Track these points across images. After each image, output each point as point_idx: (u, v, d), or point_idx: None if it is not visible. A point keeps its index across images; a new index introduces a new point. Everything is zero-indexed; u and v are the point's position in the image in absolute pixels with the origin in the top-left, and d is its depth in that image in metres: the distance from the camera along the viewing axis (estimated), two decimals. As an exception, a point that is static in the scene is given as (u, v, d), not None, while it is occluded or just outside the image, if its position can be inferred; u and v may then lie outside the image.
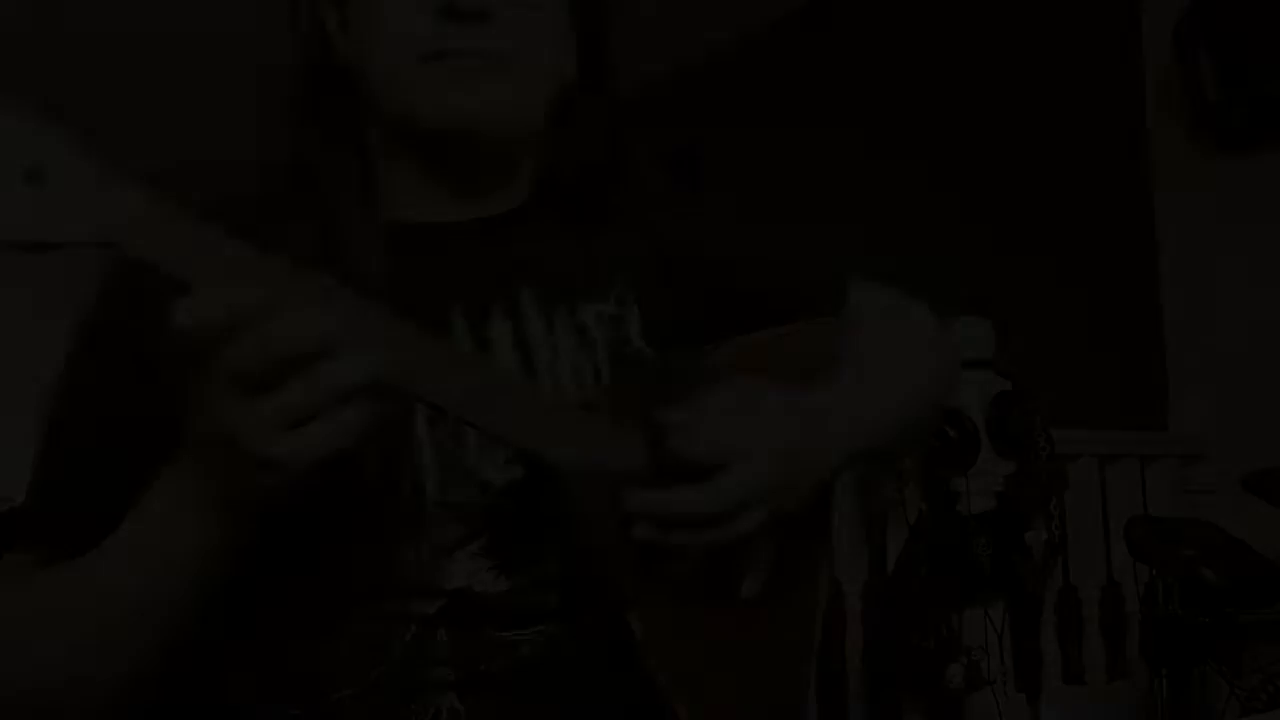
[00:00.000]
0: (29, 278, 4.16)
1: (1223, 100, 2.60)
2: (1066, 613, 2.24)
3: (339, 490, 0.81)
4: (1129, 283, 2.78)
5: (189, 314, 0.62)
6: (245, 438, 0.65)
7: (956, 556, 2.09)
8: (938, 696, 2.08)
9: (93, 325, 0.86)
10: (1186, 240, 2.68)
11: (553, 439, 0.80)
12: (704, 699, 0.86)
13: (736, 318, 1.04)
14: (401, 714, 0.81)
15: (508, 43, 0.87)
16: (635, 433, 0.85)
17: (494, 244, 0.95)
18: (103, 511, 0.75)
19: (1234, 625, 1.86)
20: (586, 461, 0.81)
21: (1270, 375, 2.52)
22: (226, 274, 0.65)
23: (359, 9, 0.90)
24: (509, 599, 0.85)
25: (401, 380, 0.72)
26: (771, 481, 0.81)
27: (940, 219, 3.28)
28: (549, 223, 1.00)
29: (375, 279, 0.86)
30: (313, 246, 0.86)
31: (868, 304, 1.09)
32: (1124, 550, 2.09)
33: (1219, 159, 2.62)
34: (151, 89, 4.15)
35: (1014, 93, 3.10)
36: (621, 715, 0.88)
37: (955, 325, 2.13)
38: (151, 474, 0.73)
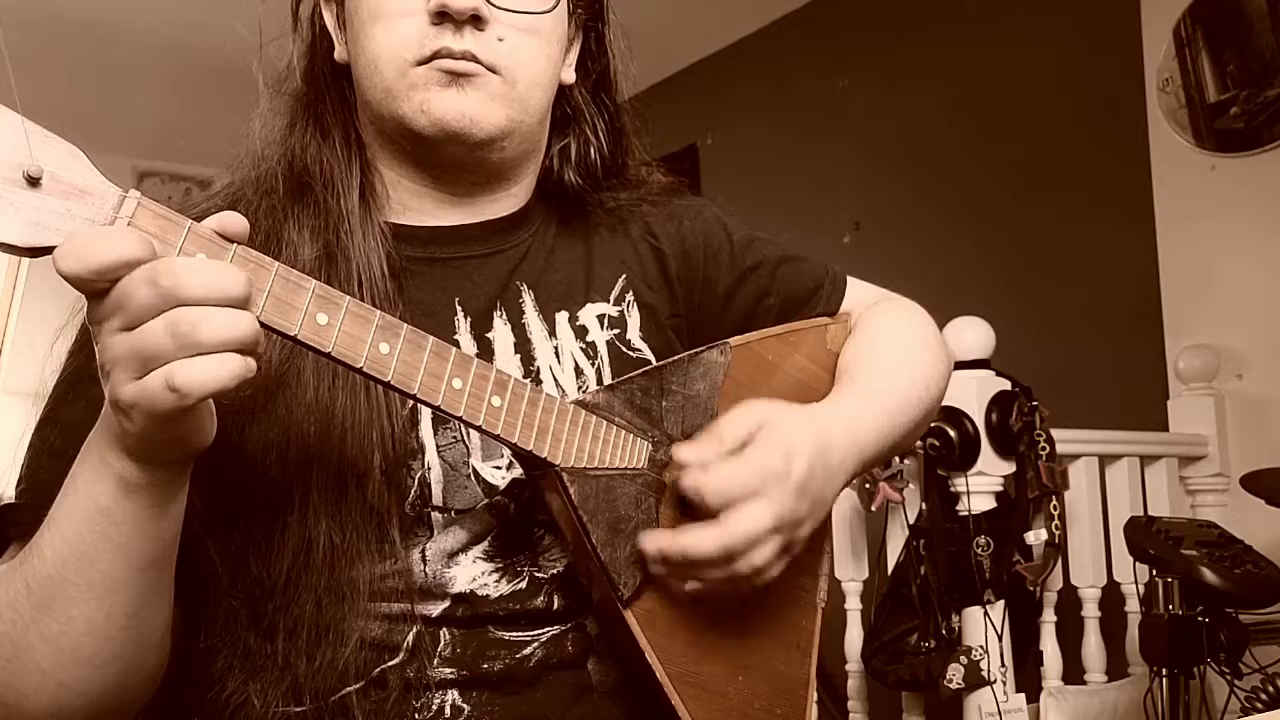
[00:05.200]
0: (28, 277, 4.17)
1: (1223, 100, 2.60)
2: (1066, 613, 2.25)
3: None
4: (1129, 282, 2.78)
5: (61, 259, 0.61)
6: (106, 376, 0.65)
7: (956, 556, 2.09)
8: (937, 696, 2.08)
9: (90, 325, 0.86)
10: (1186, 240, 2.68)
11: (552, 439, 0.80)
12: (704, 696, 0.86)
13: (735, 317, 1.04)
14: (405, 713, 0.81)
15: (502, 56, 0.87)
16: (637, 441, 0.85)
17: (495, 246, 0.96)
18: None
19: (1234, 625, 1.86)
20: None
21: (1270, 375, 2.52)
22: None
23: (356, 10, 0.90)
24: (512, 601, 0.85)
25: (399, 382, 0.72)
26: (785, 516, 0.82)
27: (940, 219, 3.28)
28: (549, 225, 1.01)
29: (377, 280, 0.86)
30: (313, 247, 0.87)
31: (863, 303, 1.09)
32: (1124, 550, 2.09)
33: (1219, 159, 2.62)
34: (152, 90, 4.15)
35: (1014, 93, 3.10)
36: (623, 716, 0.88)
37: (953, 325, 2.14)
38: None
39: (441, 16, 0.85)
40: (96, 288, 0.63)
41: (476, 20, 0.86)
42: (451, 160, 0.91)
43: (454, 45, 0.85)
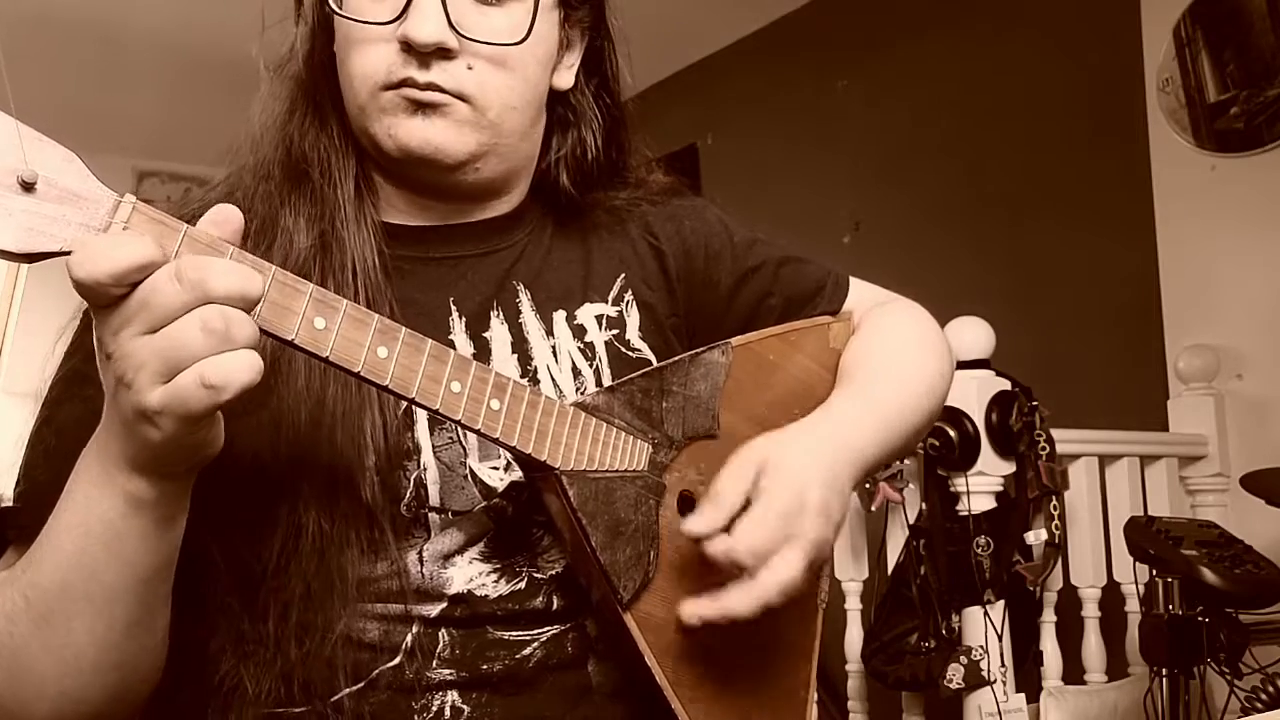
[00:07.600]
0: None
1: (1223, 100, 2.60)
2: (1066, 613, 2.25)
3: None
4: (1129, 282, 2.78)
5: (76, 266, 0.61)
6: (127, 385, 0.64)
7: (956, 556, 2.09)
8: (938, 696, 2.08)
9: (87, 329, 0.86)
10: (1186, 240, 2.68)
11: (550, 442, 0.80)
12: (704, 699, 0.86)
13: (737, 317, 1.04)
14: (404, 713, 0.81)
15: (469, 85, 0.86)
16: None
17: (490, 246, 0.95)
18: None
19: (1234, 625, 1.86)
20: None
21: (1270, 375, 2.52)
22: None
23: (339, 25, 0.89)
24: (510, 601, 0.85)
25: (396, 386, 0.72)
26: (814, 546, 0.83)
27: (940, 219, 3.27)
28: (546, 224, 1.00)
29: (371, 270, 0.86)
30: (308, 235, 0.86)
31: (866, 304, 1.09)
32: (1124, 550, 2.09)
33: (1219, 159, 2.62)
34: (152, 90, 4.15)
35: (1014, 92, 3.10)
36: (624, 718, 0.88)
37: (953, 325, 2.14)
38: None
39: (410, 47, 0.84)
40: (111, 294, 0.62)
41: (444, 53, 0.85)
42: (427, 182, 0.91)
43: (419, 77, 0.84)
